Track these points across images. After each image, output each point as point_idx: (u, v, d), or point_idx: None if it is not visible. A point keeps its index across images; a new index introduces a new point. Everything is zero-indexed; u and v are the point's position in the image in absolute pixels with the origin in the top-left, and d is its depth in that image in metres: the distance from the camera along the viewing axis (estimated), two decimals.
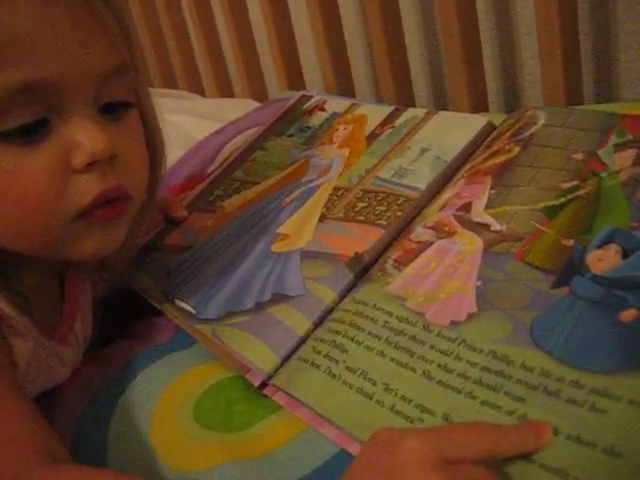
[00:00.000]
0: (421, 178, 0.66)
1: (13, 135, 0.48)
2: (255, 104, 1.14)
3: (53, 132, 0.49)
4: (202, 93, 1.42)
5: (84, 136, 0.49)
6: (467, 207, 0.59)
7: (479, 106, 0.93)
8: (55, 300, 0.61)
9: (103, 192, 0.51)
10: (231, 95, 1.37)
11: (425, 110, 0.75)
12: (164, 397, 0.56)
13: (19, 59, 0.46)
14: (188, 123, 1.15)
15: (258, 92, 1.26)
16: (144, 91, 0.59)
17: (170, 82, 1.48)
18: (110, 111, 0.52)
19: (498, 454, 0.39)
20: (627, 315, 0.44)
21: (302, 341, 0.56)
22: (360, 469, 0.38)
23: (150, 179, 0.58)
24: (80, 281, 0.63)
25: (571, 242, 0.51)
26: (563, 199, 0.55)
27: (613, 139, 0.58)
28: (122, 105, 0.54)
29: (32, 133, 0.48)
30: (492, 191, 0.59)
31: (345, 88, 1.08)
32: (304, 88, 1.14)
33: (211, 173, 0.86)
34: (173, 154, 0.96)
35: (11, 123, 0.47)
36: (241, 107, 1.13)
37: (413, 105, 1.03)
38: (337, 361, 0.51)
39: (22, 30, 0.46)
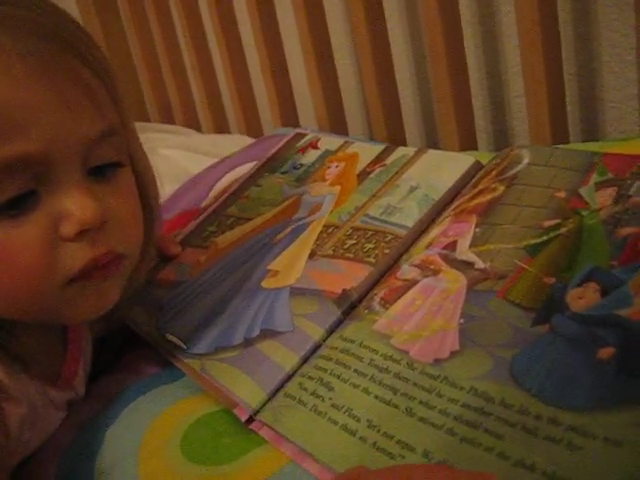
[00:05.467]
0: (409, 216, 0.66)
1: (1, 209, 0.47)
2: (250, 140, 1.16)
3: (41, 203, 0.48)
4: (198, 128, 1.44)
5: (73, 205, 0.48)
6: (452, 245, 0.59)
7: (468, 144, 0.95)
8: (57, 346, 0.60)
9: (92, 259, 0.50)
10: (226, 131, 1.38)
11: (415, 149, 0.76)
12: (152, 429, 0.56)
13: (6, 135, 0.46)
14: (183, 158, 1.16)
15: (253, 128, 1.28)
16: (136, 146, 0.58)
17: (167, 117, 1.49)
18: (99, 172, 0.52)
19: None
20: (605, 353, 0.44)
21: (289, 377, 0.56)
22: None
23: (145, 232, 0.58)
24: (81, 328, 0.63)
25: (552, 280, 0.51)
26: (545, 237, 0.55)
27: (595, 177, 0.59)
28: (112, 165, 0.53)
29: (20, 205, 0.47)
30: (477, 229, 0.60)
31: (338, 126, 1.10)
32: (298, 125, 1.16)
33: (205, 208, 0.86)
34: (167, 188, 0.97)
35: None
36: (236, 143, 1.15)
37: (404, 142, 1.04)
38: (323, 398, 0.52)
39: (8, 106, 0.45)
